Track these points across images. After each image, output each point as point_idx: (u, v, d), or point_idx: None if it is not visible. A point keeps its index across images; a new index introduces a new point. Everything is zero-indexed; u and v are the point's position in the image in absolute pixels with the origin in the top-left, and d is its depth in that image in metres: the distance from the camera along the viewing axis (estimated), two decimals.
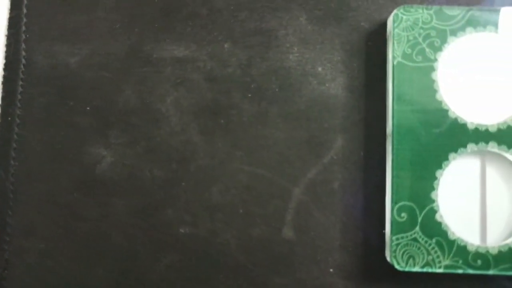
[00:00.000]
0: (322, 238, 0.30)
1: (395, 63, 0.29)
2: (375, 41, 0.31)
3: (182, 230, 0.30)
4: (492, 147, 0.28)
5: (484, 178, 0.29)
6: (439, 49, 0.29)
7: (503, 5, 0.31)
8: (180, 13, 0.32)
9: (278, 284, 0.30)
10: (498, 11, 0.29)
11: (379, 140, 0.30)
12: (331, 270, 0.30)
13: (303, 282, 0.30)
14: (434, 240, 0.28)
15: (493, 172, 0.29)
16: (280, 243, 0.30)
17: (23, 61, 0.32)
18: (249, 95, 0.31)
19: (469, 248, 0.28)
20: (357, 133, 0.30)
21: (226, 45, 0.31)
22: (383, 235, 0.29)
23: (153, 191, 0.31)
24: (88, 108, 0.32)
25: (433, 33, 0.29)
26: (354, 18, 0.31)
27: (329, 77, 0.31)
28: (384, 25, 0.31)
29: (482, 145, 0.28)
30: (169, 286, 0.30)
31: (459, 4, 0.31)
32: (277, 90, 0.31)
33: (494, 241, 0.28)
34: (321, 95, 0.31)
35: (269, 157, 0.31)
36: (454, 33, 0.29)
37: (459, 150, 0.28)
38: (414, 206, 0.28)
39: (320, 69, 0.31)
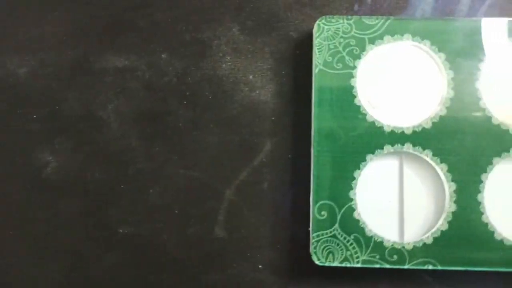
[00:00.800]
0: (252, 236, 0.32)
1: (316, 70, 0.31)
2: (303, 49, 0.33)
3: (120, 230, 0.32)
4: (408, 148, 0.30)
5: (402, 178, 0.30)
6: (358, 57, 0.31)
7: (424, 15, 0.33)
8: (121, 26, 0.34)
9: (212, 279, 0.32)
10: (415, 20, 0.31)
11: (306, 143, 0.32)
12: (260, 266, 0.32)
13: (235, 278, 0.32)
14: (352, 237, 0.29)
15: (409, 172, 0.30)
16: (213, 241, 0.32)
17: None
18: (185, 102, 0.33)
19: (385, 244, 0.29)
20: (285, 136, 0.32)
21: (163, 55, 0.33)
22: (309, 232, 0.31)
23: (96, 194, 0.33)
24: (35, 116, 0.33)
25: (352, 42, 0.31)
26: (284, 28, 0.33)
27: (259, 85, 0.33)
28: (311, 34, 0.33)
29: (398, 146, 0.30)
30: (112, 282, 0.32)
31: (382, 14, 0.33)
32: (210, 97, 0.33)
33: (411, 237, 0.30)
34: (252, 102, 0.33)
35: (203, 160, 0.32)
36: (372, 41, 0.31)
37: (376, 152, 0.30)
38: (334, 205, 0.30)
39: (251, 77, 0.33)
